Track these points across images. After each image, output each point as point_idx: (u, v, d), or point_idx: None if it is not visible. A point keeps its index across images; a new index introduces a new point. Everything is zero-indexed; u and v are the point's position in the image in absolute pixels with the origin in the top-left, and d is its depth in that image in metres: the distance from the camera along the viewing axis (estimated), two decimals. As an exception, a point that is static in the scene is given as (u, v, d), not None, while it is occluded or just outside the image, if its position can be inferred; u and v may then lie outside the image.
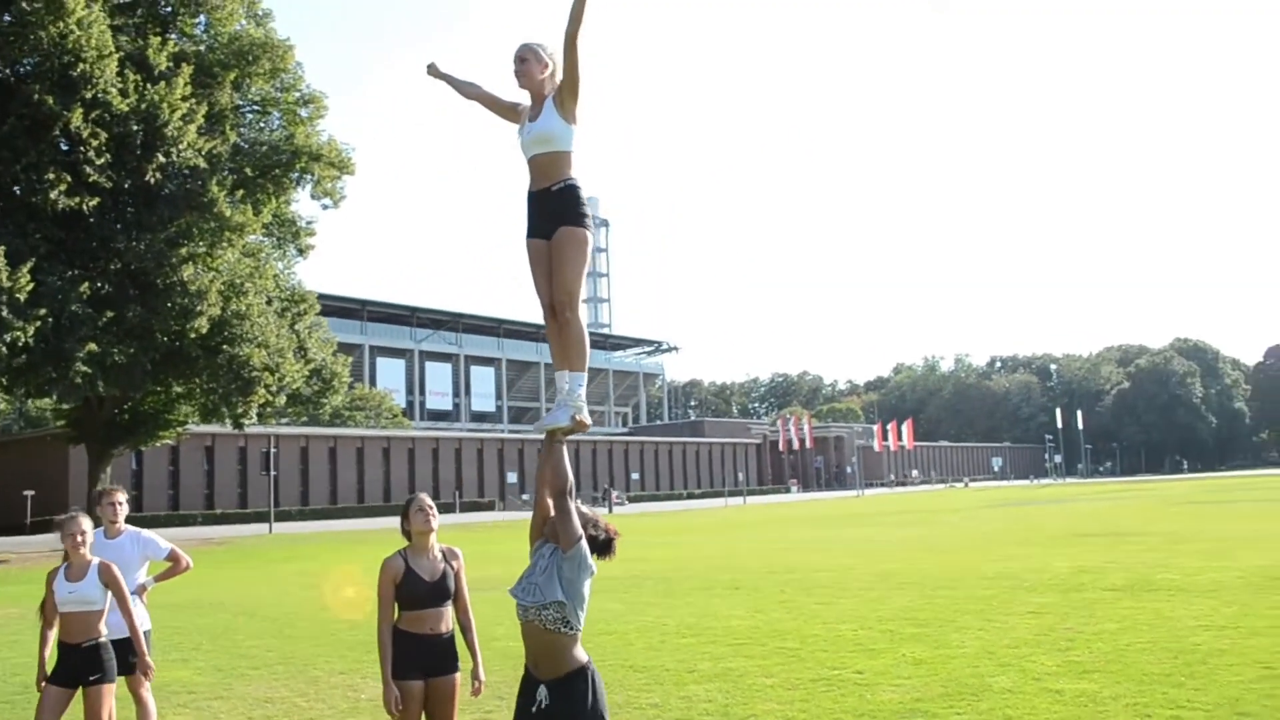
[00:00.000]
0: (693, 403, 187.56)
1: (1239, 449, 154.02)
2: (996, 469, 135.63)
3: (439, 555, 4.97)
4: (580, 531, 4.04)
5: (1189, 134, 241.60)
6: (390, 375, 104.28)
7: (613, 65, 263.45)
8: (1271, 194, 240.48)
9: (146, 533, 6.65)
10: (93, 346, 26.90)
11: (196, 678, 9.90)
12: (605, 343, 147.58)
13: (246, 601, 16.86)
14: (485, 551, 29.39)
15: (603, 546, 4.17)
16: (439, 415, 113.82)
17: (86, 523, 6.30)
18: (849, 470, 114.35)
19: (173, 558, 6.66)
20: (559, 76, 4.41)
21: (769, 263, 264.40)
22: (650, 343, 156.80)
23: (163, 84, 27.55)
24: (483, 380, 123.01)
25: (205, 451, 60.67)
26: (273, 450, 45.85)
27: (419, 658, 4.78)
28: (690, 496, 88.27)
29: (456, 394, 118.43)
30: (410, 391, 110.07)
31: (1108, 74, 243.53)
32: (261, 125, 33.06)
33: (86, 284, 26.81)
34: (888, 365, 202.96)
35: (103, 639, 5.78)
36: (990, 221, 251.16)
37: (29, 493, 49.75)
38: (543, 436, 4.34)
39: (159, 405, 34.77)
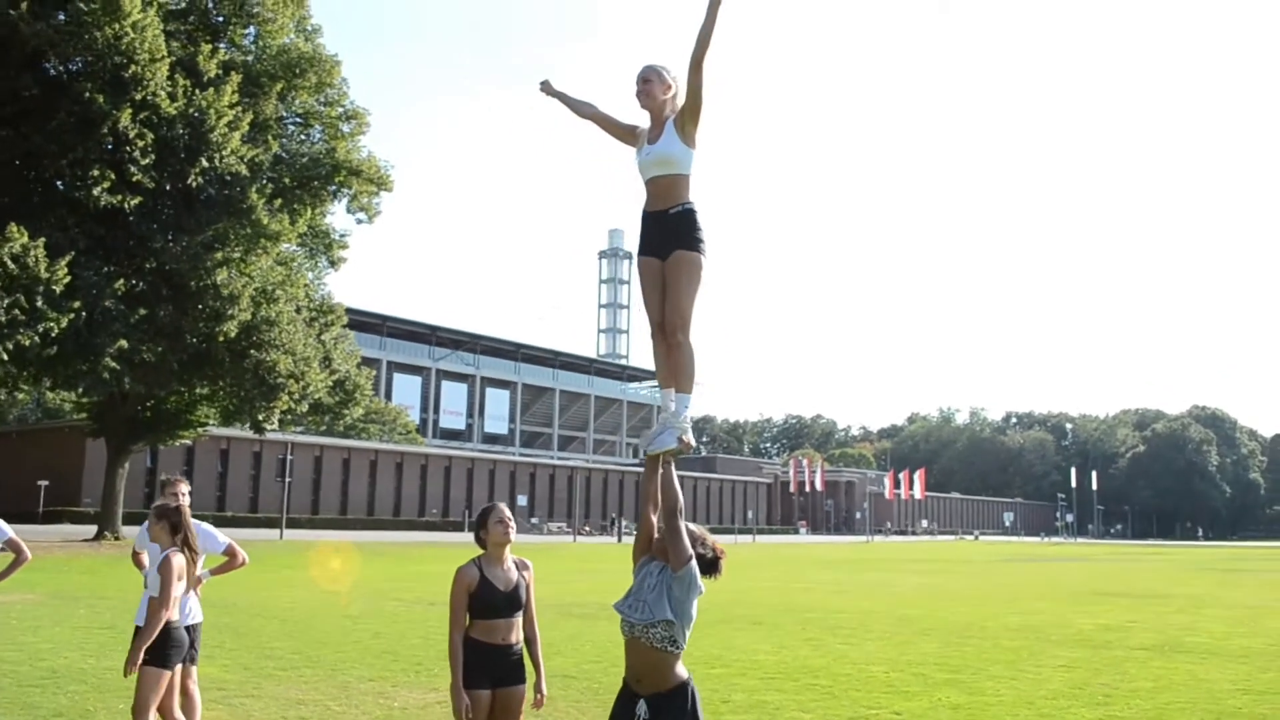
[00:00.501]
0: (704, 438, 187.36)
1: (1252, 519, 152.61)
2: (1007, 524, 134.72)
3: (512, 565, 4.95)
4: (690, 551, 4.03)
5: (1219, 201, 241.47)
6: (406, 391, 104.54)
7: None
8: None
9: (205, 526, 6.65)
10: (123, 343, 27.09)
11: (225, 675, 9.88)
12: (622, 374, 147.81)
13: (263, 603, 16.83)
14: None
15: (710, 565, 4.19)
16: (452, 434, 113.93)
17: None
18: (858, 516, 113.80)
19: (230, 553, 6.66)
20: (680, 99, 4.48)
21: (788, 302, 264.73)
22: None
23: (211, 90, 27.93)
24: (497, 402, 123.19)
25: (220, 454, 60.85)
26: (290, 457, 45.92)
27: (489, 668, 4.73)
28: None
29: (470, 414, 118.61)
30: (425, 409, 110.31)
31: (1135, 98, 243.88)
32: (303, 137, 33.39)
33: (121, 281, 27.06)
34: (902, 414, 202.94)
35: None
36: (1013, 274, 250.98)
37: (43, 483, 49.97)
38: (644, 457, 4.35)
39: (181, 405, 34.92)
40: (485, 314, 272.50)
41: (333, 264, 36.18)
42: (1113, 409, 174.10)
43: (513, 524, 5.00)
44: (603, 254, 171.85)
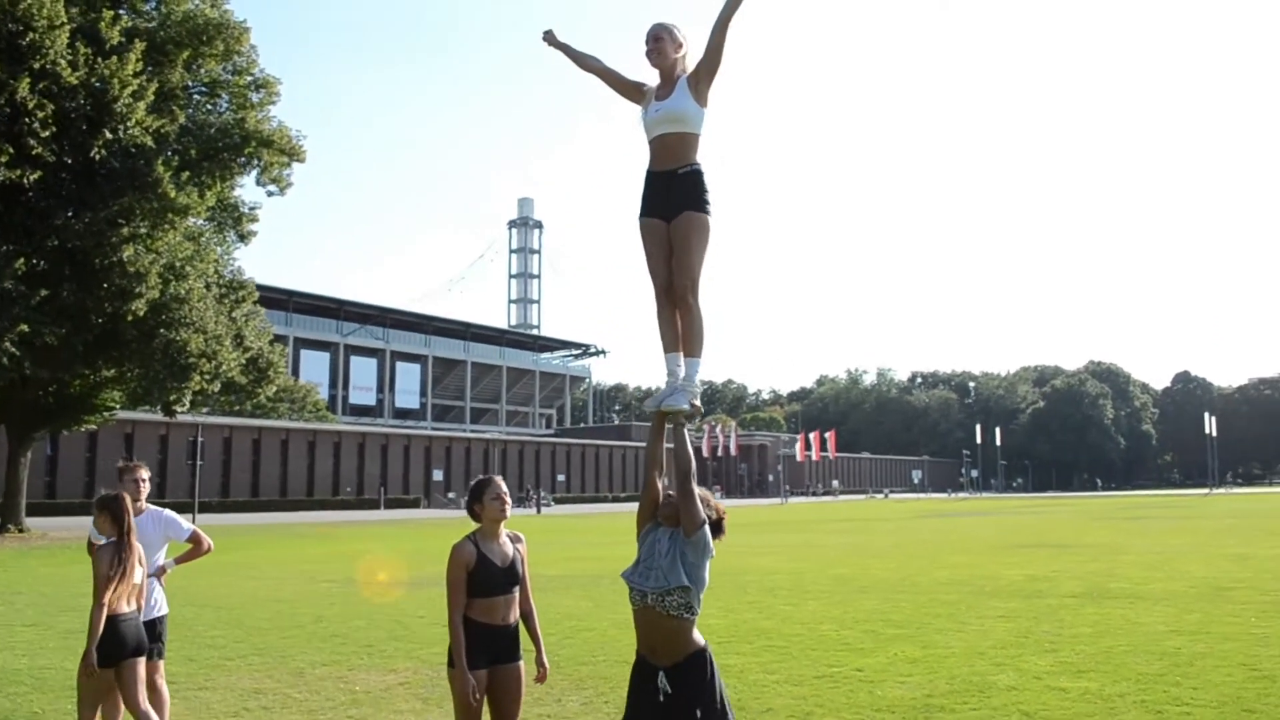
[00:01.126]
0: (617, 407, 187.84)
1: (1145, 470, 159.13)
2: (916, 481, 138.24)
3: (506, 540, 4.81)
4: (703, 515, 4.00)
5: (1118, 165, 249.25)
6: (314, 368, 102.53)
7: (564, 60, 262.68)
8: (1187, 227, 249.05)
9: (169, 513, 6.42)
10: (24, 327, 25.94)
11: (170, 667, 9.50)
12: (533, 344, 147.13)
13: (192, 592, 16.37)
14: (421, 549, 29.06)
15: (715, 527, 4.13)
16: (362, 410, 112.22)
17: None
18: (771, 478, 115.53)
19: (194, 539, 6.45)
20: (689, 59, 4.42)
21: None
22: (578, 345, 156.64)
23: (114, 59, 26.66)
24: (408, 377, 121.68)
25: (125, 439, 58.88)
26: (200, 439, 44.68)
27: (488, 647, 4.63)
28: (616, 500, 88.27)
29: (381, 389, 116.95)
30: (334, 385, 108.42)
31: (1034, 92, 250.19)
32: (210, 107, 32.20)
33: (21, 260, 25.83)
34: (811, 377, 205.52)
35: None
36: (916, 237, 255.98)
37: (-64, 476, 47.79)
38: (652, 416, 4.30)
39: (87, 389, 33.65)
40: (394, 287, 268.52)
41: (242, 238, 35.11)
42: (1013, 366, 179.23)
43: (509, 499, 4.88)
44: (513, 223, 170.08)
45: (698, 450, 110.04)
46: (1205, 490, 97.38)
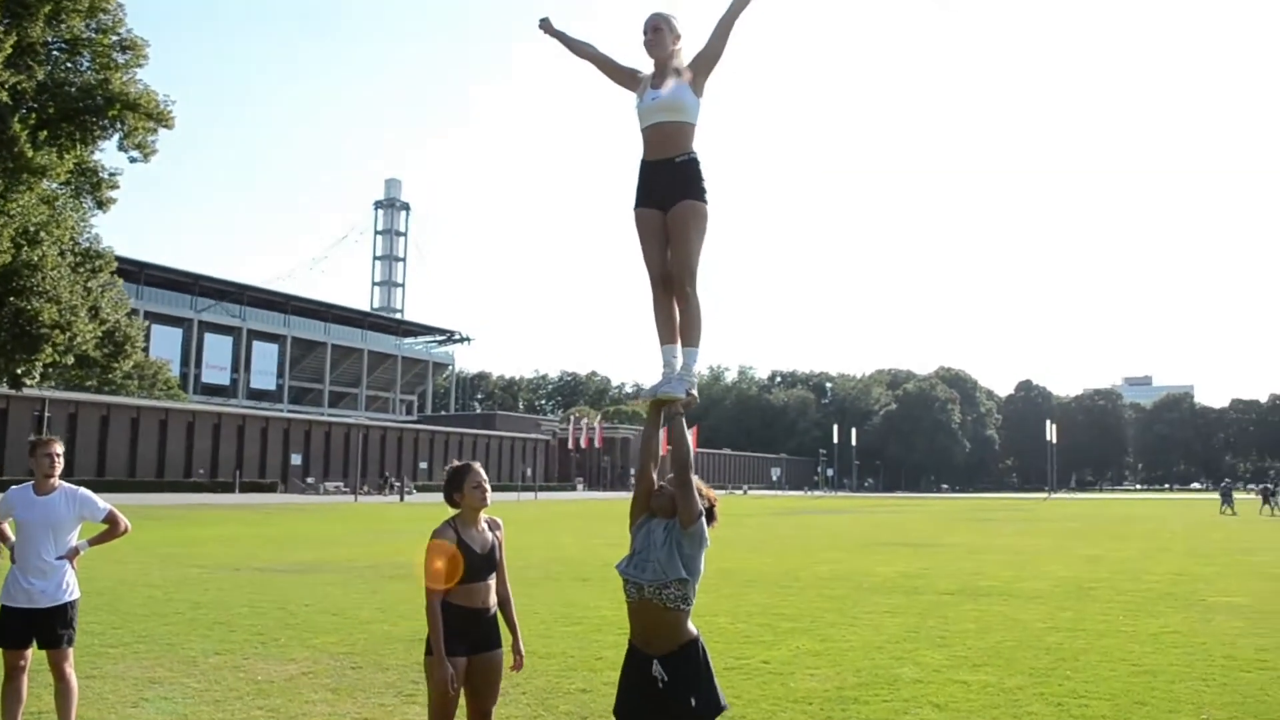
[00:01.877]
0: (479, 395, 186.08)
1: (988, 473, 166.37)
2: (775, 478, 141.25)
3: (485, 526, 4.76)
4: (701, 507, 4.01)
5: (974, 182, 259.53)
6: (166, 344, 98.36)
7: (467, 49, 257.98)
8: (1032, 243, 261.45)
9: (84, 491, 6.06)
10: None
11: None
12: (397, 328, 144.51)
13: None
14: (288, 534, 28.26)
15: (707, 514, 4.16)
16: (215, 390, 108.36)
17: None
18: (633, 471, 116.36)
19: (110, 520, 6.11)
20: (684, 50, 4.43)
21: (562, 259, 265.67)
22: (442, 331, 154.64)
23: (-32, 8, 24.97)
24: (265, 357, 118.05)
25: (-41, 412, 55.33)
26: (46, 415, 42.27)
27: (468, 633, 4.56)
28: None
29: (235, 369, 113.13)
30: (185, 363, 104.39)
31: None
32: (69, 65, 30.37)
33: None
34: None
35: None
36: (781, 239, 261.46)
37: None
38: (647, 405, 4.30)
39: (-77, 359, 31.41)
40: (254, 265, 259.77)
41: (100, 205, 33.25)
42: (868, 369, 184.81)
43: (489, 486, 4.81)
44: (379, 204, 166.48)
45: (562, 442, 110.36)
46: (1044, 494, 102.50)
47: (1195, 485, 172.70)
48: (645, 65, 4.54)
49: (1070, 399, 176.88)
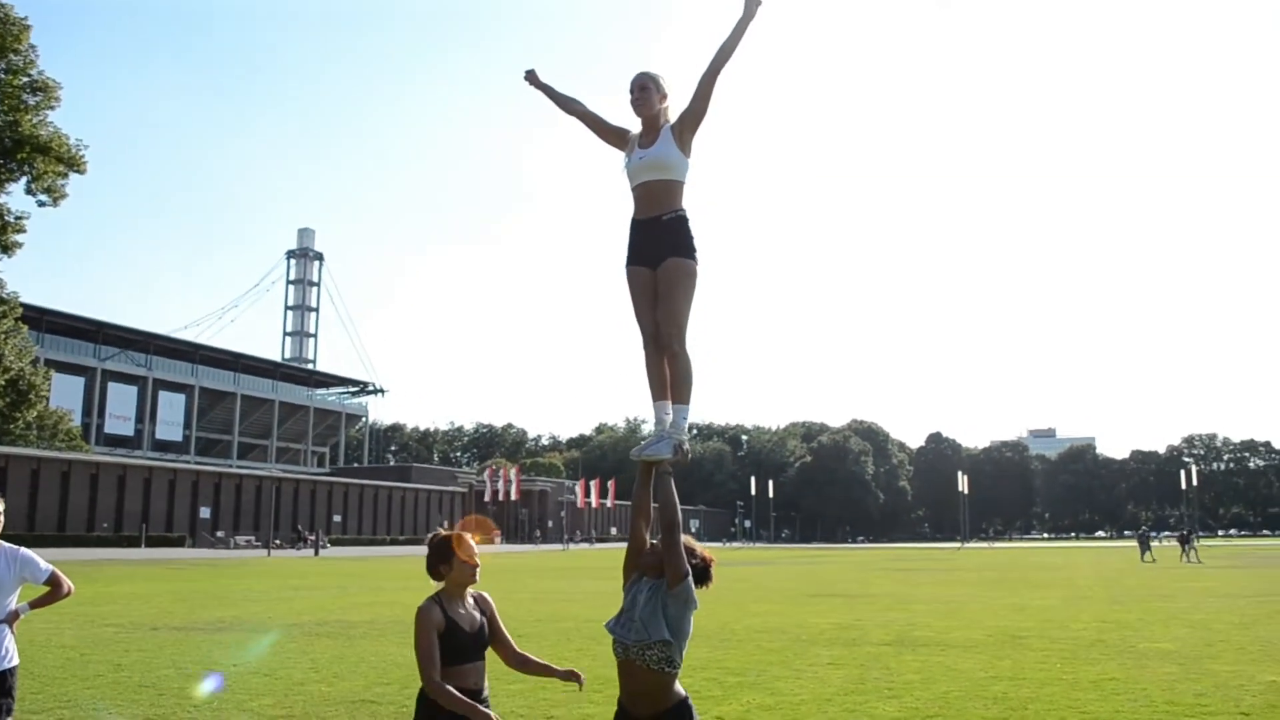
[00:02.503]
0: (393, 447, 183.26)
1: (901, 523, 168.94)
2: (693, 530, 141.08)
3: (473, 603, 4.41)
4: (687, 567, 3.94)
5: (883, 234, 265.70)
6: (67, 394, 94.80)
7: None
8: (938, 298, 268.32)
9: (25, 551, 5.75)
10: None
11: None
12: (309, 379, 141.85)
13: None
14: (202, 591, 27.30)
15: (702, 574, 4.09)
16: (118, 441, 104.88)
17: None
18: (550, 524, 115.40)
19: (53, 581, 5.79)
20: (672, 108, 4.45)
21: (477, 311, 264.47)
22: (356, 383, 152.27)
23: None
24: (171, 407, 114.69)
25: None
26: (-61, 467, 40.31)
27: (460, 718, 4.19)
28: (395, 542, 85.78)
29: (140, 419, 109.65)
30: (87, 413, 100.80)
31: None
32: (-24, 106, 29.46)
33: None
34: (590, 424, 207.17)
35: None
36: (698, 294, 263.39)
37: None
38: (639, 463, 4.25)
39: None
40: (161, 313, 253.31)
41: (5, 249, 32.18)
42: (783, 422, 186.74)
43: (479, 562, 4.45)
44: (291, 253, 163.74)
45: (479, 494, 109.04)
46: (957, 544, 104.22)
47: (1100, 534, 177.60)
48: (633, 124, 4.56)
49: (979, 450, 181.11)
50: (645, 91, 4.43)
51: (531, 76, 4.79)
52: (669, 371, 4.30)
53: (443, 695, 4.10)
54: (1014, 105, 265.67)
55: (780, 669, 11.84)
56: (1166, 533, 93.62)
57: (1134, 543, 65.28)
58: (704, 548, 4.21)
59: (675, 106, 4.49)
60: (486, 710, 4.12)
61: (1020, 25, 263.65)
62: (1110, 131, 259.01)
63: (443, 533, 4.44)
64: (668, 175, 4.34)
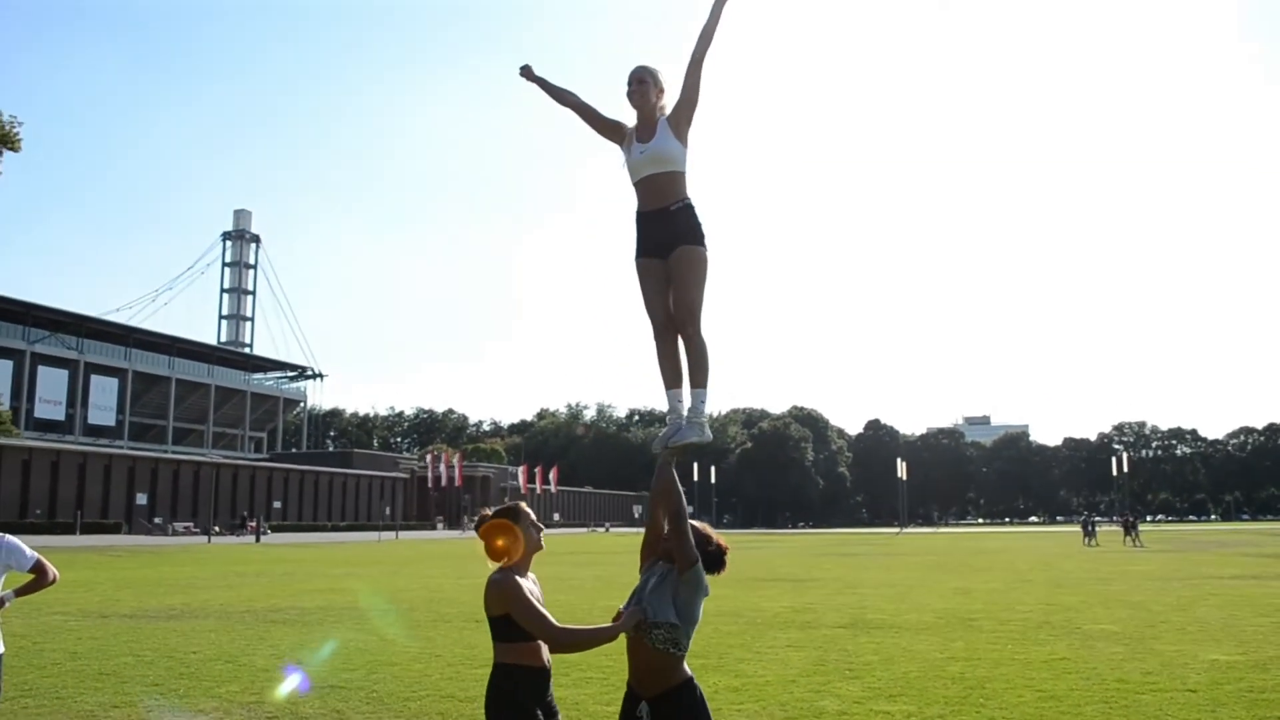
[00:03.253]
0: (333, 433, 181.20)
1: (840, 509, 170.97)
2: (636, 516, 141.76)
3: (533, 578, 4.22)
4: (696, 554, 4.03)
5: (826, 222, 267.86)
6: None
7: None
8: (878, 287, 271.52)
9: (9, 539, 5.70)
10: None
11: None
12: (246, 363, 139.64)
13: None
14: (147, 578, 26.90)
15: (715, 561, 4.19)
16: (48, 426, 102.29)
17: None
18: (487, 508, 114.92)
19: (38, 569, 5.74)
20: (668, 101, 4.53)
21: (418, 297, 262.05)
22: (294, 367, 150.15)
23: None
24: (104, 391, 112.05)
25: None
26: None
27: (542, 696, 4.04)
28: (336, 529, 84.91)
29: (72, 404, 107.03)
30: (16, 397, 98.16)
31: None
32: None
33: None
34: (532, 409, 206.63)
35: None
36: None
37: None
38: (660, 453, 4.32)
39: None
40: (94, 295, 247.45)
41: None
42: (724, 408, 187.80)
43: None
44: (227, 235, 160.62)
45: (420, 480, 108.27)
46: (895, 529, 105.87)
47: (1033, 519, 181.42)
48: (627, 116, 4.63)
49: (916, 437, 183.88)
50: (643, 85, 4.50)
51: (527, 71, 4.80)
52: (688, 356, 4.39)
53: (580, 637, 3.99)
54: (1004, 101, 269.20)
55: (741, 651, 12.05)
56: (1114, 517, 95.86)
57: (1071, 528, 66.83)
58: (720, 535, 4.32)
59: (670, 98, 4.58)
60: (624, 616, 3.98)
61: (1020, 25, 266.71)
62: (1064, 123, 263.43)
63: (488, 511, 4.22)
64: (671, 167, 4.42)
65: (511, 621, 3.94)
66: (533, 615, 3.90)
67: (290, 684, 9.82)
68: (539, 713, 3.97)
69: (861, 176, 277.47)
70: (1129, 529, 52.47)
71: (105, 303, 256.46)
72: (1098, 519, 78.37)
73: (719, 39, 4.52)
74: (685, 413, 4.38)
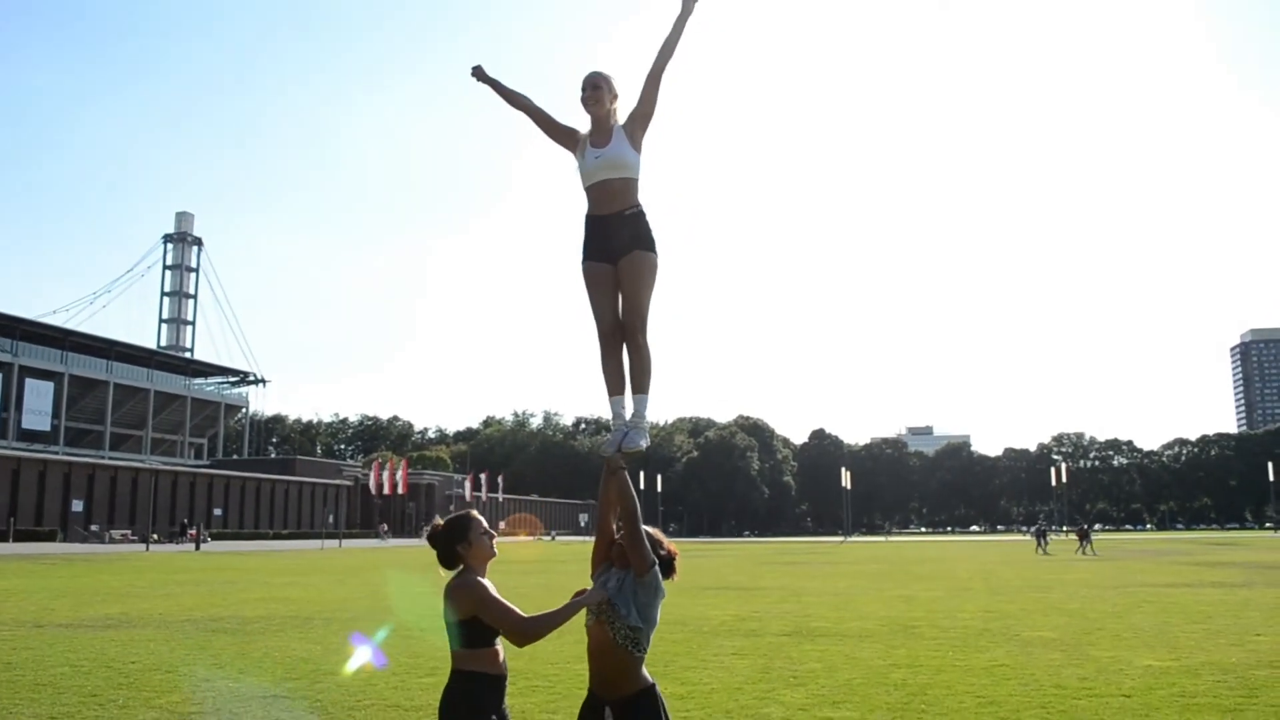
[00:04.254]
0: (275, 439, 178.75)
1: (785, 517, 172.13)
2: (583, 524, 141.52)
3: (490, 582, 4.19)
4: (653, 557, 4.11)
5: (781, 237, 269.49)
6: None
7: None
8: (826, 292, 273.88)
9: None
10: None
11: None
12: (186, 367, 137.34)
13: None
14: (82, 587, 26.34)
15: (666, 567, 4.25)
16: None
17: None
18: (438, 519, 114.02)
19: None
20: (620, 106, 4.59)
21: (361, 303, 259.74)
22: (236, 372, 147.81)
23: None
24: (39, 395, 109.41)
25: None
26: None
27: (499, 706, 4.01)
28: (278, 537, 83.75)
29: (5, 408, 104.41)
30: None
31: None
32: None
33: None
34: (477, 418, 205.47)
35: None
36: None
37: None
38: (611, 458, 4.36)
39: None
40: (28, 298, 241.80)
41: None
42: (670, 417, 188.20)
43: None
44: (168, 238, 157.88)
45: (364, 488, 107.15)
46: (840, 538, 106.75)
47: (974, 528, 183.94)
48: (581, 123, 4.69)
49: (860, 447, 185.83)
50: (598, 90, 4.56)
51: (479, 72, 4.83)
52: (632, 362, 4.45)
53: (543, 622, 3.95)
54: (1000, 106, 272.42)
55: (687, 659, 12.11)
56: (1065, 526, 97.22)
57: (1012, 537, 67.86)
58: (671, 542, 4.37)
59: (624, 105, 4.64)
60: (582, 594, 4.05)
61: (1020, 25, 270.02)
62: (1025, 133, 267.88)
63: (439, 521, 4.23)
64: (625, 173, 4.48)
65: (477, 626, 3.94)
66: (504, 611, 3.91)
67: (360, 658, 9.75)
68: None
69: (811, 189, 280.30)
70: (1084, 538, 53.40)
71: (42, 305, 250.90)
72: (1050, 528, 79.33)
73: (680, 49, 4.59)
74: (629, 418, 4.44)
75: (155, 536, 67.20)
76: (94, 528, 68.77)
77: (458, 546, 4.12)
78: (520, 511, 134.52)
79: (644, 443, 4.36)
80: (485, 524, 4.22)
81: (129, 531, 70.28)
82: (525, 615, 3.97)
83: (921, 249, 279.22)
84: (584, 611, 4.10)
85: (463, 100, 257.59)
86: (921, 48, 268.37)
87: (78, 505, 70.96)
